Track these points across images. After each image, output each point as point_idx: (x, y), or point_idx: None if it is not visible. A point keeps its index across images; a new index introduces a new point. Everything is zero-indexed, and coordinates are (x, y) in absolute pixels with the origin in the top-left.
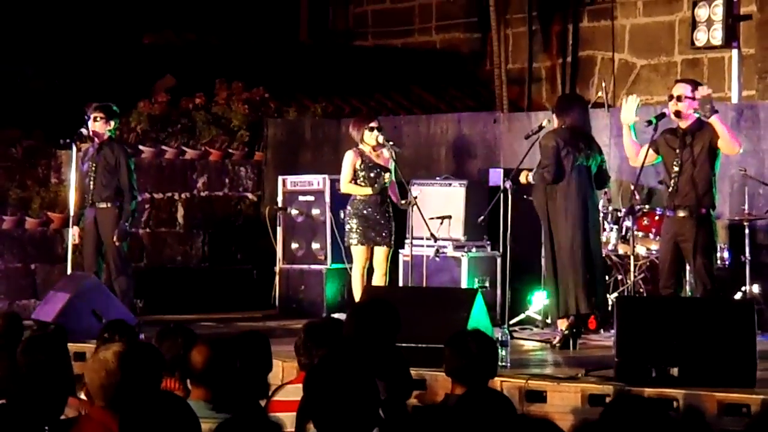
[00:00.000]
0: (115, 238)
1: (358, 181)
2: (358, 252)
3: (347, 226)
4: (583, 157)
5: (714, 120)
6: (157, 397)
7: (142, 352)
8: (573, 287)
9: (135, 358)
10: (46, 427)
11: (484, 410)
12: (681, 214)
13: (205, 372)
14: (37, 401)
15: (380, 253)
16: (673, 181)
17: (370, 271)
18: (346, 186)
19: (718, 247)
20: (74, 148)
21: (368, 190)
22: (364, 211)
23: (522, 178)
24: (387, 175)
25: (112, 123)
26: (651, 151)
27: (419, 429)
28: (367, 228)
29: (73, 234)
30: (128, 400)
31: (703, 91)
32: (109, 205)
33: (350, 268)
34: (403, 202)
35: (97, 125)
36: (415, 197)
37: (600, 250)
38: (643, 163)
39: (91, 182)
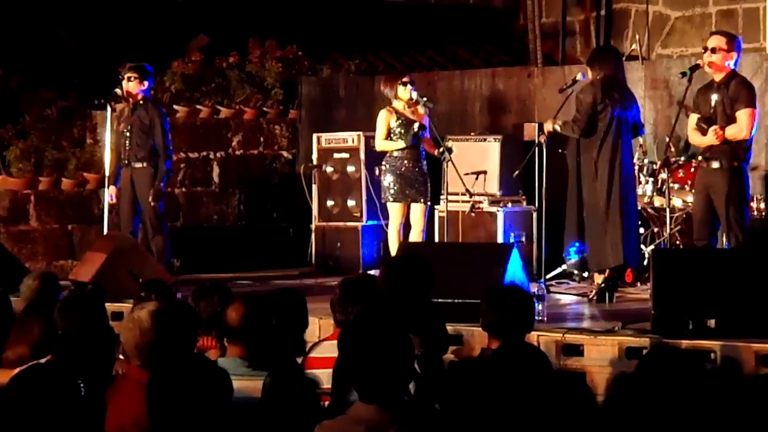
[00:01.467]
0: (150, 199)
1: (393, 137)
2: (395, 209)
3: (383, 183)
4: (620, 108)
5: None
6: (186, 359)
7: (176, 311)
8: (608, 241)
9: (169, 317)
10: (81, 383)
11: (519, 364)
12: (713, 165)
13: (240, 329)
14: (80, 360)
15: (417, 209)
16: (705, 133)
17: (407, 227)
18: (380, 143)
19: (755, 198)
20: (109, 109)
21: (401, 143)
22: (401, 168)
23: (548, 125)
24: (416, 125)
25: (146, 83)
26: (695, 115)
27: (455, 383)
28: (403, 184)
29: (109, 194)
30: (164, 359)
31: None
32: (144, 165)
33: (386, 225)
34: (439, 149)
35: (131, 85)
36: (450, 147)
37: (635, 202)
38: (677, 115)
39: (127, 142)
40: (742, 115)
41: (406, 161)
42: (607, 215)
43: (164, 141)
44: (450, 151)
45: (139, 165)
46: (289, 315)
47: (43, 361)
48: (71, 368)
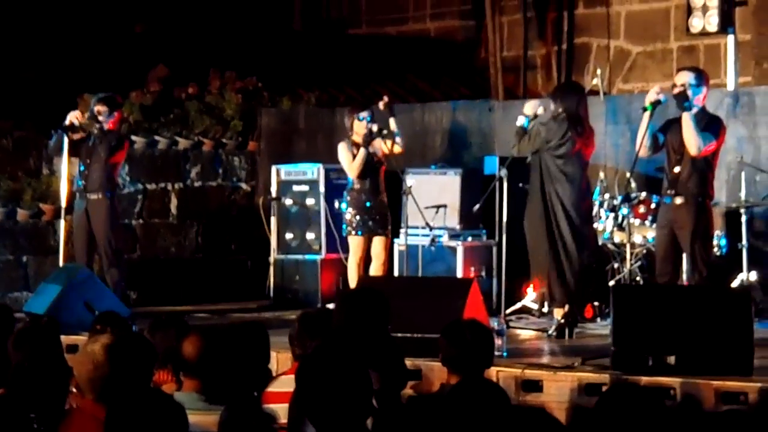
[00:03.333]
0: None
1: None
2: (355, 242)
3: (344, 216)
4: (582, 143)
5: (684, 116)
6: (142, 394)
7: (131, 344)
8: (568, 275)
9: (124, 350)
10: (33, 417)
11: (478, 400)
12: (678, 201)
13: (196, 363)
14: (33, 393)
15: (378, 242)
16: (673, 168)
17: (367, 261)
18: (351, 169)
19: (715, 235)
20: (65, 139)
21: (362, 151)
22: (361, 201)
23: (528, 109)
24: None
25: (115, 114)
26: (650, 144)
27: (413, 419)
28: (365, 217)
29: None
30: (117, 394)
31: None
32: (100, 196)
33: (345, 258)
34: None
35: (101, 118)
36: (410, 186)
37: (596, 237)
38: (637, 154)
39: (86, 173)
40: (706, 135)
41: (365, 194)
42: (573, 250)
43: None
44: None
45: (94, 196)
46: (246, 348)
47: None
48: (23, 401)
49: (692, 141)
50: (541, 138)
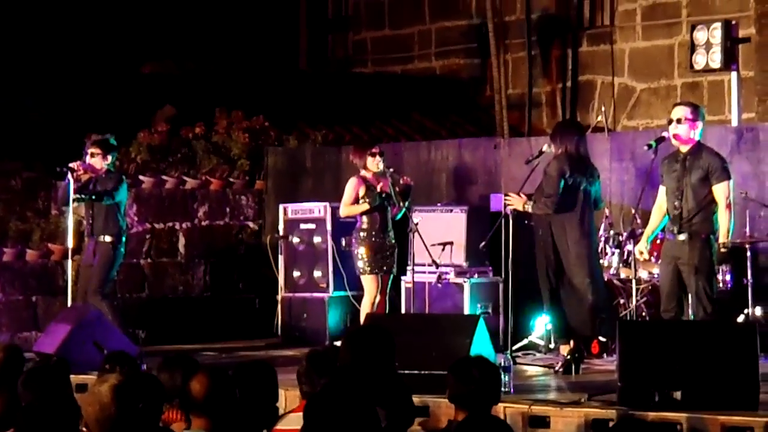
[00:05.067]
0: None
1: (360, 202)
2: (370, 281)
3: (356, 256)
4: (586, 182)
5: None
6: None
7: (139, 384)
8: (579, 311)
9: (131, 391)
10: None
11: None
12: (681, 237)
13: (204, 402)
14: None
15: (385, 280)
16: (674, 204)
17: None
18: (344, 209)
19: (720, 270)
20: (71, 180)
21: (365, 206)
22: (371, 239)
23: (519, 206)
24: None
25: (109, 157)
26: (663, 187)
27: None
28: (377, 256)
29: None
30: None
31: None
32: (106, 238)
33: (353, 296)
34: (401, 204)
35: (95, 161)
36: (417, 223)
37: (602, 274)
38: (643, 188)
39: (91, 215)
40: (722, 188)
41: (374, 233)
42: (581, 286)
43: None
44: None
45: (101, 238)
46: (255, 387)
47: None
48: None
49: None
50: (554, 180)
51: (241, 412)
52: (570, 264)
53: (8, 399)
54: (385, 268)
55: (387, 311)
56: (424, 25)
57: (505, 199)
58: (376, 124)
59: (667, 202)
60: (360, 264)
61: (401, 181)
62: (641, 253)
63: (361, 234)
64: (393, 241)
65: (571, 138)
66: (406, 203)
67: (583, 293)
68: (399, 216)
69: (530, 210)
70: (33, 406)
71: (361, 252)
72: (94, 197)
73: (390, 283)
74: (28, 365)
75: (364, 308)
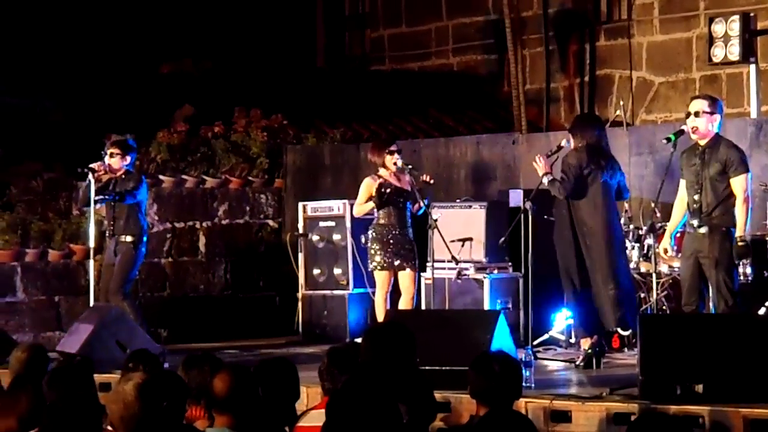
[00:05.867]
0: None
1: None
2: (381, 277)
3: (369, 251)
4: (607, 174)
5: None
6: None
7: (162, 382)
8: (602, 305)
9: (155, 389)
10: None
11: (506, 431)
12: (701, 231)
13: (227, 399)
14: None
15: (405, 277)
16: (693, 198)
17: (395, 295)
18: (357, 208)
19: (741, 263)
20: (92, 181)
21: (370, 204)
22: (387, 236)
23: (540, 172)
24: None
25: (129, 158)
26: (683, 180)
27: None
28: (390, 252)
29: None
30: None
31: None
32: (127, 238)
33: (373, 293)
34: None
35: (114, 161)
36: (436, 220)
37: (627, 265)
38: (663, 181)
39: (112, 215)
40: (739, 181)
41: (391, 228)
42: (602, 280)
43: (132, 190)
44: (433, 227)
45: (122, 238)
46: (277, 384)
47: None
48: None
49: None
50: (574, 167)
51: (263, 409)
52: (592, 257)
53: (33, 398)
54: (400, 264)
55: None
56: (441, 21)
57: (534, 160)
58: (394, 121)
59: (687, 195)
60: (371, 259)
61: (422, 179)
62: (665, 251)
63: (376, 229)
64: (411, 238)
65: (591, 131)
66: (425, 201)
67: (606, 286)
68: (420, 212)
69: (545, 183)
70: (57, 405)
71: (373, 247)
72: (117, 197)
73: (415, 281)
74: (52, 365)
75: (378, 304)
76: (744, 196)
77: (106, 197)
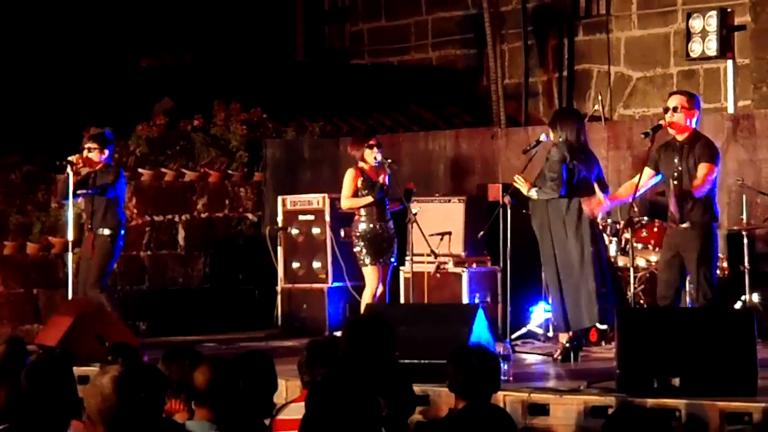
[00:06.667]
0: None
1: (360, 194)
2: (371, 272)
3: (357, 248)
4: (586, 169)
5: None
6: (153, 424)
7: (140, 375)
8: (584, 300)
9: (132, 382)
10: None
11: (483, 425)
12: (683, 225)
13: (207, 392)
14: (38, 425)
15: (384, 270)
16: (674, 193)
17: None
18: (345, 201)
19: (718, 258)
20: (71, 174)
21: (368, 198)
22: (370, 231)
23: (524, 190)
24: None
25: (107, 151)
26: (649, 170)
27: None
28: (378, 247)
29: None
30: (127, 425)
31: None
32: (105, 231)
33: (352, 287)
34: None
35: (92, 155)
36: (415, 214)
37: (608, 258)
38: (638, 182)
39: (91, 209)
40: (701, 168)
41: (373, 224)
42: (581, 274)
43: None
44: (412, 221)
45: (100, 231)
46: (256, 377)
47: None
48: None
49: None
50: (558, 164)
51: (242, 402)
52: (570, 251)
53: (11, 391)
54: (384, 258)
55: (387, 301)
56: (421, 15)
57: (514, 180)
58: (374, 115)
59: (666, 190)
60: (361, 256)
61: (405, 187)
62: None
63: (361, 226)
64: (392, 231)
65: (570, 125)
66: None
67: (585, 279)
68: (398, 208)
69: (535, 195)
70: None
71: (361, 244)
72: (98, 191)
73: (389, 273)
74: (31, 358)
75: (366, 299)
76: (701, 182)
77: (89, 191)
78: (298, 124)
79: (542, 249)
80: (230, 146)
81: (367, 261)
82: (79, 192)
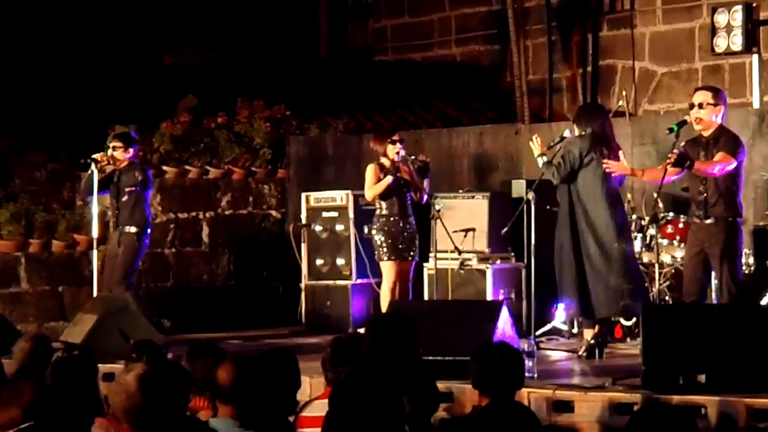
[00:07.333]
0: None
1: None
2: (388, 267)
3: (374, 242)
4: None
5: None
6: (177, 421)
7: (165, 373)
8: (611, 289)
9: (157, 380)
10: None
11: (506, 422)
12: (708, 221)
13: (231, 390)
14: (62, 423)
15: (406, 266)
16: (698, 189)
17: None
18: (369, 191)
19: (743, 253)
20: (95, 171)
21: (388, 179)
22: (390, 226)
23: (536, 151)
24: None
25: (131, 150)
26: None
27: None
28: (396, 242)
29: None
30: (152, 422)
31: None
32: (134, 229)
33: (376, 283)
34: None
35: (117, 154)
36: (439, 210)
37: (633, 250)
38: (663, 176)
39: (116, 207)
40: (717, 156)
41: (394, 218)
42: (608, 266)
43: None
44: (435, 218)
45: (128, 229)
46: (280, 375)
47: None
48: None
49: (708, 172)
50: (573, 155)
51: (265, 399)
52: (592, 247)
53: (37, 389)
54: (404, 254)
55: (410, 298)
56: (444, 12)
57: (531, 139)
58: (397, 111)
59: (691, 186)
60: (378, 250)
61: (418, 158)
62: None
63: (381, 220)
64: (413, 228)
65: (595, 121)
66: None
67: (611, 275)
68: (424, 201)
69: (540, 163)
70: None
71: (379, 238)
72: (141, 187)
73: (412, 269)
74: (57, 355)
75: (383, 294)
76: (710, 164)
77: (136, 187)
78: (321, 120)
79: (559, 242)
80: (254, 143)
81: (384, 256)
82: (127, 190)
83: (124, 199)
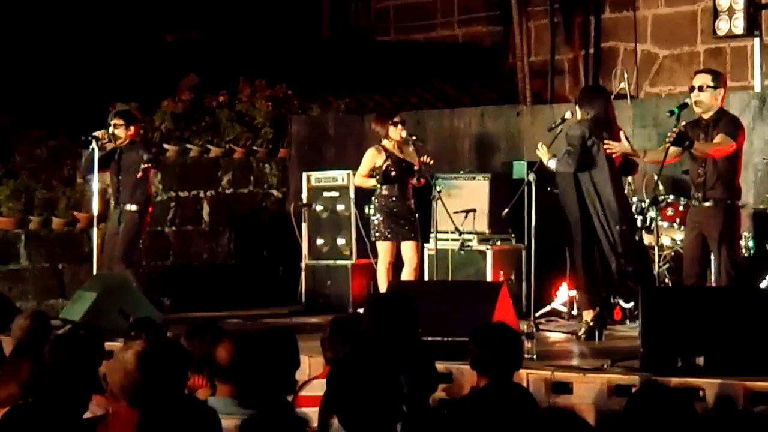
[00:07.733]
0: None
1: (374, 175)
2: (384, 247)
3: (372, 222)
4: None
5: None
6: (176, 399)
7: (163, 351)
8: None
9: (155, 357)
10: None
11: (505, 403)
12: (706, 204)
13: (230, 368)
14: (60, 400)
15: (408, 247)
16: (697, 172)
17: (397, 266)
18: (357, 179)
19: (743, 236)
20: (95, 149)
21: (371, 181)
22: (389, 207)
23: (545, 159)
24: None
25: (132, 128)
26: (675, 148)
27: (441, 422)
28: (392, 223)
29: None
30: (150, 400)
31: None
32: (135, 207)
33: (376, 263)
34: (414, 181)
35: (118, 131)
36: (439, 191)
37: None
38: (665, 158)
39: (117, 184)
40: (717, 137)
41: (393, 199)
42: (613, 250)
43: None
44: (436, 198)
45: (127, 207)
46: (278, 354)
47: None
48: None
49: (707, 153)
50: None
51: (264, 378)
52: (598, 228)
53: (35, 366)
54: (399, 235)
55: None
56: None
57: (537, 148)
58: (399, 92)
59: (691, 169)
60: (374, 230)
61: (422, 159)
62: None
63: (379, 201)
64: (413, 208)
65: (597, 103)
66: (423, 176)
67: (608, 259)
68: (423, 185)
69: (553, 166)
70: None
71: (377, 218)
72: (153, 165)
73: (418, 251)
74: (58, 332)
75: (380, 274)
76: (716, 148)
77: (148, 165)
78: (323, 100)
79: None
80: (255, 122)
81: (380, 236)
82: (143, 167)
83: (139, 175)
